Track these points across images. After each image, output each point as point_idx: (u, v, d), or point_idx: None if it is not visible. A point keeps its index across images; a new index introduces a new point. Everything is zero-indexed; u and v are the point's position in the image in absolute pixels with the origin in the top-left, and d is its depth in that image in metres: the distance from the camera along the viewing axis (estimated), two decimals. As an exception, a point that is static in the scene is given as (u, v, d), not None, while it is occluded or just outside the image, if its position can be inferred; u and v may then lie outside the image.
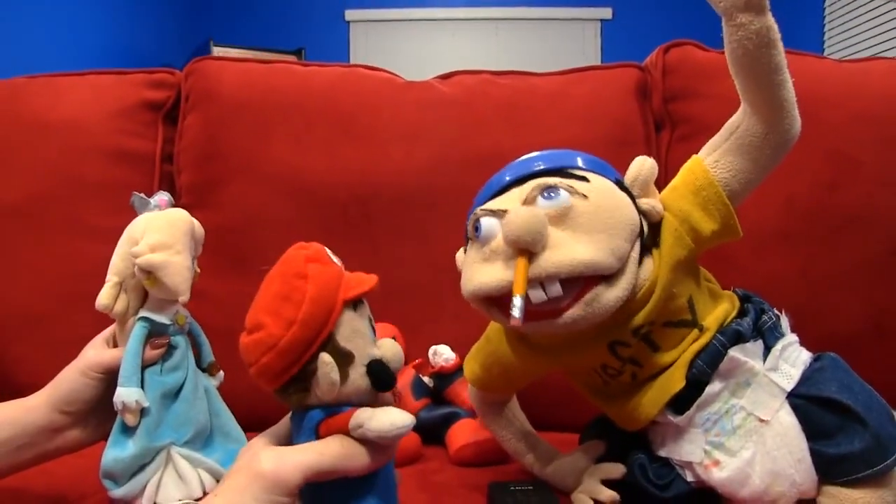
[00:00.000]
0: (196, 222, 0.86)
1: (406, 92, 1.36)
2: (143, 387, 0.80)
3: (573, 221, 0.69)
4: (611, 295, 0.69)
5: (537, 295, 0.68)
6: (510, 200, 0.73)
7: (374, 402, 0.65)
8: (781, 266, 1.21)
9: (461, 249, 0.83)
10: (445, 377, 1.15)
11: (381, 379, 0.63)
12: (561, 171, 0.74)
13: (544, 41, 6.07)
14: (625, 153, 1.24)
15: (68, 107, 1.34)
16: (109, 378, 0.82)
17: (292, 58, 5.44)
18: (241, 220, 1.29)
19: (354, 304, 0.64)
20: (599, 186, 0.73)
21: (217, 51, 5.21)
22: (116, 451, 0.79)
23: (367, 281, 0.66)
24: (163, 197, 0.86)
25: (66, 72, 1.40)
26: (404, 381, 1.15)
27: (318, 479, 0.60)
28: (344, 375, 0.62)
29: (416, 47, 6.06)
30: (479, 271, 0.72)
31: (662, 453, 0.79)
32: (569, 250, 0.68)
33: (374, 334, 0.67)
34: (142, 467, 0.80)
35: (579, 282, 0.68)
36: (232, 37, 5.59)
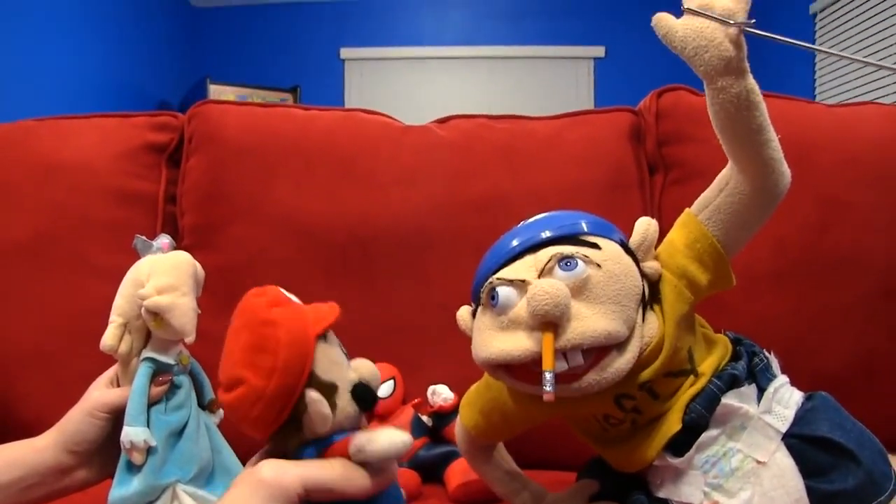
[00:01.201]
0: (197, 264, 0.87)
1: (404, 136, 1.38)
2: (149, 426, 0.81)
3: (589, 292, 0.71)
4: (622, 360, 0.71)
5: (560, 365, 0.69)
6: (525, 270, 0.74)
7: (360, 424, 0.67)
8: (773, 306, 1.22)
9: (465, 308, 0.83)
10: (444, 416, 1.16)
11: (366, 399, 0.66)
12: (573, 239, 0.75)
13: (537, 79, 6.09)
14: (619, 196, 1.31)
15: (74, 149, 1.36)
16: (115, 417, 0.82)
17: (288, 95, 5.50)
18: (243, 260, 1.30)
19: (324, 335, 0.66)
20: (611, 254, 0.74)
21: (213, 88, 5.23)
22: (122, 490, 0.79)
23: (329, 312, 0.68)
24: (164, 240, 0.87)
25: (71, 115, 1.42)
26: (403, 420, 1.16)
27: (318, 497, 0.61)
28: (332, 406, 0.64)
29: (409, 85, 6.09)
30: (498, 339, 0.73)
31: (661, 494, 0.79)
32: (590, 322, 0.69)
33: (347, 357, 0.69)
34: None
35: (595, 350, 0.70)
36: (229, 74, 5.62)
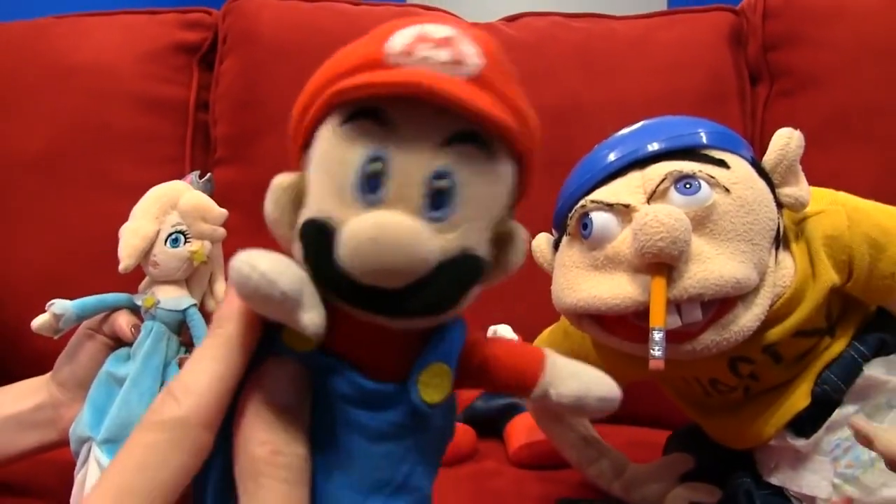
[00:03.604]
0: (193, 195, 0.77)
1: None
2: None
3: (714, 224, 0.55)
4: (749, 316, 0.56)
5: (672, 321, 0.54)
6: (630, 191, 0.58)
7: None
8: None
9: (543, 237, 0.69)
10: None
11: (309, 245, 0.34)
12: (692, 154, 0.59)
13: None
14: (715, 109, 1.18)
15: (94, 49, 1.27)
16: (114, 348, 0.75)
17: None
18: None
19: (348, 118, 0.35)
20: (742, 175, 0.58)
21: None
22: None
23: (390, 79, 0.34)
24: (189, 175, 0.80)
25: (92, 11, 1.33)
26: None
27: None
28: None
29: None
30: (590, 282, 0.58)
31: (774, 481, 0.65)
32: (714, 265, 0.54)
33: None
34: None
35: (716, 302, 0.55)
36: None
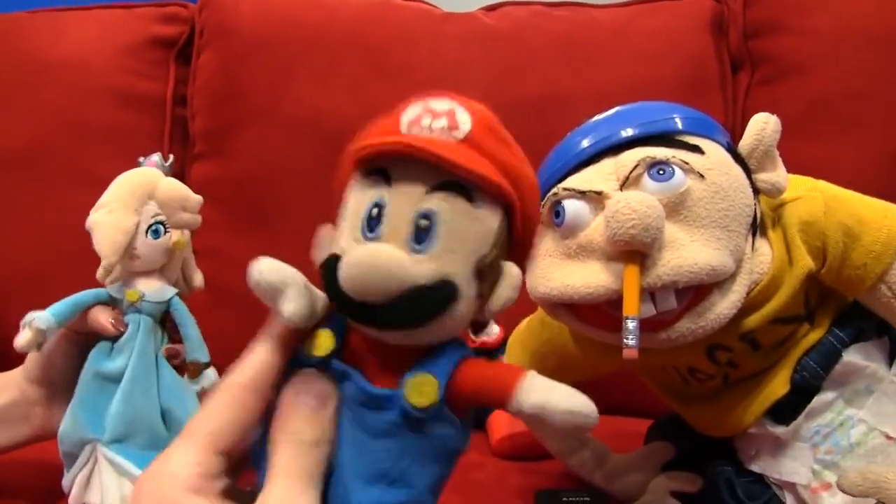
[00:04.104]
0: (170, 183, 0.75)
1: (445, 25, 1.25)
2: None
3: (688, 211, 0.54)
4: (726, 303, 0.55)
5: (646, 309, 0.53)
6: (602, 178, 0.57)
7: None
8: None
9: None
10: (488, 354, 1.01)
11: (328, 283, 0.41)
12: (666, 139, 0.58)
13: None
14: (697, 98, 1.16)
15: (71, 44, 1.27)
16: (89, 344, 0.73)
17: None
18: (260, 169, 1.21)
19: (368, 171, 0.42)
20: (716, 161, 0.57)
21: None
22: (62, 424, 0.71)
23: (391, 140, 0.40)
24: (152, 158, 0.77)
25: (69, 6, 1.33)
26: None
27: None
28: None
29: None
30: (563, 270, 0.57)
31: (755, 468, 0.65)
32: (688, 252, 0.53)
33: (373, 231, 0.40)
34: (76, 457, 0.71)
35: (692, 289, 0.54)
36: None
